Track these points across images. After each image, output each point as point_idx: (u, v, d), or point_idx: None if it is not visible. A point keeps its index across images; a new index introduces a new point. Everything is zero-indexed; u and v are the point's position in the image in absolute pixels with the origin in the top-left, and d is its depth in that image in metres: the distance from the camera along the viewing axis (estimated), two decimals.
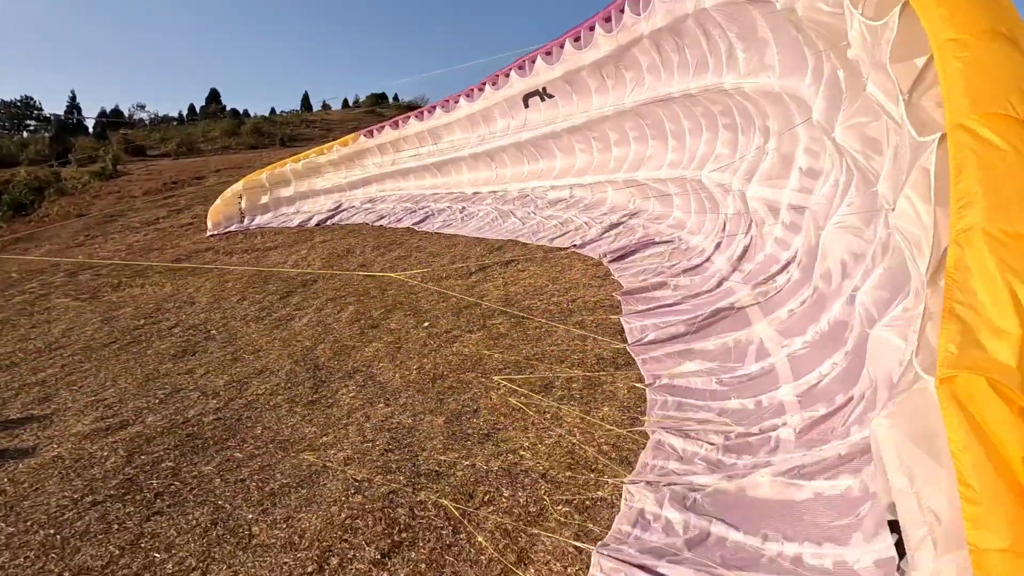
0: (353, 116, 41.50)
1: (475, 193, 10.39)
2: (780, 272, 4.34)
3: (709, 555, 2.24)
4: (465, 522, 2.72)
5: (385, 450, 3.52)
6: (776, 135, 4.83)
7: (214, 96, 43.75)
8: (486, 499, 2.90)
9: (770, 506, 2.43)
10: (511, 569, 2.41)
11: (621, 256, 5.98)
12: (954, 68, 1.94)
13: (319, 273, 8.32)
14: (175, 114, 43.87)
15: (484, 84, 9.80)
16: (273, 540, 2.86)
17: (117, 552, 2.97)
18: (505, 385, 4.00)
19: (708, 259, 5.38)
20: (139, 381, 5.43)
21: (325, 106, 46.74)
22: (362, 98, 45.50)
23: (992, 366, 1.47)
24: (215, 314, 7.22)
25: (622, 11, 6.63)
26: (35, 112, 46.09)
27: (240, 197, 14.24)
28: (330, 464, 3.46)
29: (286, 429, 4.04)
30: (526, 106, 9.22)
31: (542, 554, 2.49)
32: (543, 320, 5.06)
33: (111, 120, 42.63)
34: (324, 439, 3.81)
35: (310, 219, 12.54)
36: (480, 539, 2.59)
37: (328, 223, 12.18)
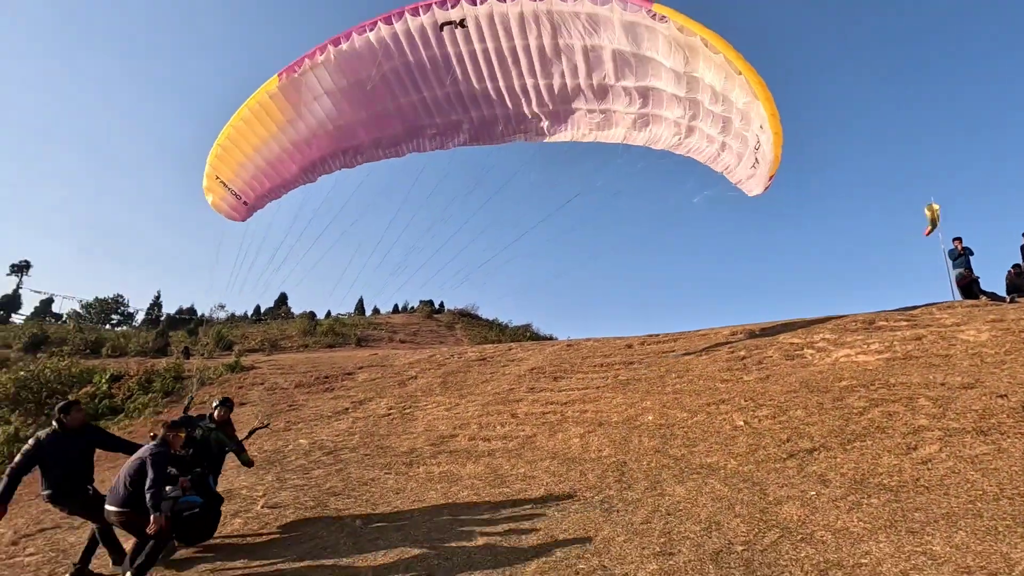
0: (413, 320, 47.03)
1: None
2: None
3: None
4: None
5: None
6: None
7: (282, 299, 49.87)
8: None
9: None
10: None
11: None
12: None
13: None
14: (240, 314, 49.44)
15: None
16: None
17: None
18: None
19: None
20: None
21: (376, 311, 52.90)
22: (412, 304, 51.95)
23: None
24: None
25: None
26: (121, 308, 51.34)
27: None
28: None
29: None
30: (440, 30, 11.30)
31: None
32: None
33: (190, 317, 47.54)
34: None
35: None
36: None
37: None
